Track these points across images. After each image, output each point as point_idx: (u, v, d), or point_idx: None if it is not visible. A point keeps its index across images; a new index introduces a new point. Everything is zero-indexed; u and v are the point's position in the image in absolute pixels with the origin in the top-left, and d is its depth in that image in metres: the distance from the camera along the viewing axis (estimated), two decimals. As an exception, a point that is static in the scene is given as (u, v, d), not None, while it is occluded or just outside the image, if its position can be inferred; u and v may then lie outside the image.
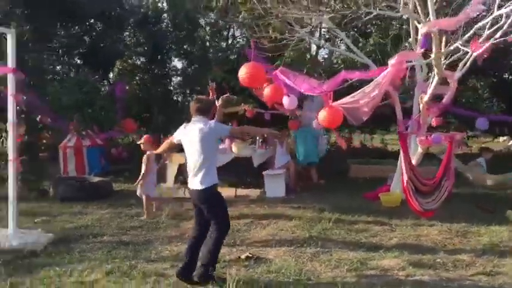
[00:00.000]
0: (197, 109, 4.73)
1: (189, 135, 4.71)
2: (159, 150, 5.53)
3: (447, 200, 7.03)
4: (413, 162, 8.14)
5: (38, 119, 8.97)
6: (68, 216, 7.44)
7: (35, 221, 7.09)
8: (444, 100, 8.27)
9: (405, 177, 7.03)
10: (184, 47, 14.43)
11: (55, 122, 9.54)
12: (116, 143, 12.62)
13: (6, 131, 8.98)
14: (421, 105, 7.31)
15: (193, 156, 4.67)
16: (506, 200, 8.58)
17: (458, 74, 6.71)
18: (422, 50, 4.64)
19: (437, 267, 5.18)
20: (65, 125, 9.75)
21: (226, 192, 9.40)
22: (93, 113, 9.77)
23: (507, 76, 14.15)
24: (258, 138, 11.00)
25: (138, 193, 7.49)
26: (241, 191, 9.67)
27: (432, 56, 6.16)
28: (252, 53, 6.01)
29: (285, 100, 6.64)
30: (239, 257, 5.41)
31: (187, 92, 15.59)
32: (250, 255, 5.44)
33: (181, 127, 4.88)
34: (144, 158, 7.44)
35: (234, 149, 9.71)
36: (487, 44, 5.05)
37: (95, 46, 13.85)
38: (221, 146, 9.99)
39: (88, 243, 6.04)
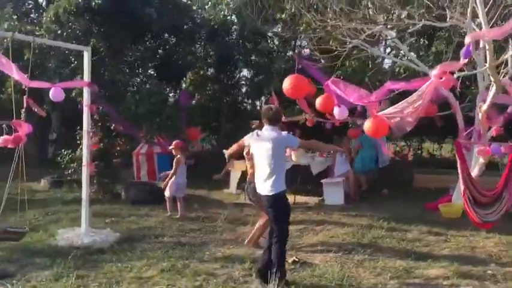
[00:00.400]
0: (269, 118, 5.01)
1: (262, 142, 5.00)
2: (229, 151, 5.68)
3: (508, 212, 6.85)
4: (476, 172, 7.99)
5: (112, 127, 9.71)
6: (135, 218, 8.03)
7: (106, 221, 7.72)
8: (509, 110, 8.03)
9: (462, 187, 6.96)
10: (252, 57, 14.89)
11: (127, 130, 10.29)
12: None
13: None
14: (480, 115, 7.16)
15: (264, 162, 4.95)
16: None
17: (517, 82, 6.51)
18: (465, 60, 4.62)
19: (486, 278, 5.14)
20: (136, 133, 10.49)
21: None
22: (161, 122, 10.43)
23: None
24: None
25: (166, 194, 8.18)
26: (300, 198, 9.89)
27: (487, 65, 6.08)
28: (297, 64, 6.24)
29: (336, 110, 6.80)
30: (286, 260, 5.63)
31: (254, 101, 16.05)
32: (297, 260, 5.65)
33: (254, 133, 5.15)
34: (175, 161, 7.99)
35: (294, 157, 9.91)
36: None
37: (168, 58, 14.66)
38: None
39: (149, 243, 6.53)
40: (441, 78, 4.55)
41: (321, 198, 9.81)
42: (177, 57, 14.91)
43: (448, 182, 10.56)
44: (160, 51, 15.09)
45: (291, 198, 9.60)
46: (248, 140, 5.22)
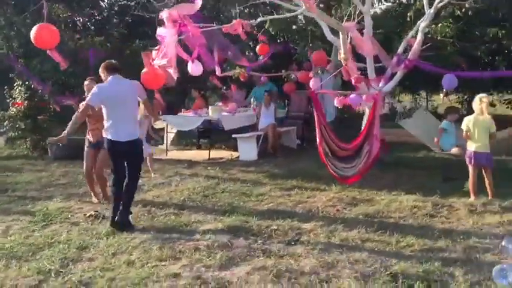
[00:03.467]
0: None
1: None
2: None
3: (370, 167, 6.36)
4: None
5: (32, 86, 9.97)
6: (20, 173, 8.28)
7: None
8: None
9: (318, 139, 6.52)
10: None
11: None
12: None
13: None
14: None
15: None
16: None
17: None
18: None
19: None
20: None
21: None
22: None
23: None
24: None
25: None
26: (217, 153, 9.78)
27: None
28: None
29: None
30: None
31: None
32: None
33: None
34: None
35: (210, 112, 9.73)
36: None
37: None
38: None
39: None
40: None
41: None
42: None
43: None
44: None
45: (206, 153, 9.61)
46: None
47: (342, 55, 6.55)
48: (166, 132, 10.32)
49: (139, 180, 5.64)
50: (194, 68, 6.07)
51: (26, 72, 9.68)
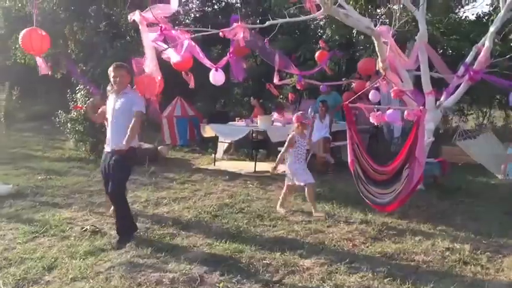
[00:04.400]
0: None
1: None
2: None
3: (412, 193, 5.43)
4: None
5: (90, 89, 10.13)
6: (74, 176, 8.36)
7: (38, 177, 8.22)
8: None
9: (349, 159, 5.68)
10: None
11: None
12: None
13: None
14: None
15: None
16: None
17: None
18: None
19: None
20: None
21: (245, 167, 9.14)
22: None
23: None
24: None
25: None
26: (262, 166, 9.18)
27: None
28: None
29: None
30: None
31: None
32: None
33: None
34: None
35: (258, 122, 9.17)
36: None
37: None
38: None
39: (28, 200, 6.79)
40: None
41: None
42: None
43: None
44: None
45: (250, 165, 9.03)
46: None
47: (379, 64, 5.65)
48: (217, 141, 9.97)
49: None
50: (217, 77, 5.56)
51: (82, 77, 9.87)
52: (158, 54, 4.25)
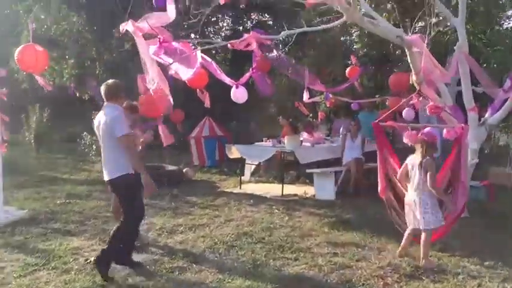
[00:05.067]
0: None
1: None
2: None
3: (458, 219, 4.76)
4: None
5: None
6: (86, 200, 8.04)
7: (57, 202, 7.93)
8: None
9: (380, 185, 5.07)
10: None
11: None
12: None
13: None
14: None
15: None
16: None
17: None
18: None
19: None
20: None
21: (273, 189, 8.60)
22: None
23: None
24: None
25: None
26: (290, 188, 8.63)
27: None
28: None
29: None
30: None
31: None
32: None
33: None
34: None
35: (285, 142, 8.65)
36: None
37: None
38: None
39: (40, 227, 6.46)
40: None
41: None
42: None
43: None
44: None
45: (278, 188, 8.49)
46: None
47: (413, 77, 5.05)
48: (243, 163, 9.49)
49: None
50: (238, 94, 5.11)
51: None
52: (163, 71, 3.82)
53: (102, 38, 10.89)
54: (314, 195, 8.19)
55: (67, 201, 7.97)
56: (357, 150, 8.51)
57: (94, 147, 10.39)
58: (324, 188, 8.05)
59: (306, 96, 8.04)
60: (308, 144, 8.84)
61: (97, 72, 11.55)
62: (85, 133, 10.43)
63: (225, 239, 5.61)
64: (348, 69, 8.87)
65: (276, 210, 7.22)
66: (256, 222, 6.41)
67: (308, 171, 8.29)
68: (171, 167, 10.08)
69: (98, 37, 10.98)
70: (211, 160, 12.06)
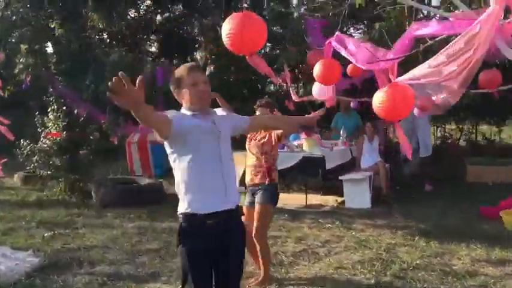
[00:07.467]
0: None
1: None
2: None
3: None
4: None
5: (75, 111, 7.82)
6: (87, 230, 6.09)
7: (45, 235, 5.82)
8: None
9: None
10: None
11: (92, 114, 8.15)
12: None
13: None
14: None
15: None
16: None
17: None
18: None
19: None
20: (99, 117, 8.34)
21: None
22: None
23: None
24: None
25: None
26: (314, 198, 7.76)
27: None
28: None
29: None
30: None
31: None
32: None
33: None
34: None
35: (305, 146, 7.74)
36: None
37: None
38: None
39: (76, 273, 4.57)
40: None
41: (342, 198, 7.55)
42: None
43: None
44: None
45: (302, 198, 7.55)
46: None
47: None
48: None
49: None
50: None
51: (70, 95, 7.46)
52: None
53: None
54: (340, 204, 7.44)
55: (61, 231, 5.93)
56: (377, 153, 8.01)
57: (36, 157, 8.07)
58: (357, 196, 7.35)
59: (294, 96, 7.21)
60: (323, 148, 8.00)
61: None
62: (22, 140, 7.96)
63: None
64: (348, 68, 8.26)
65: (329, 225, 6.31)
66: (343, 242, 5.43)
67: (341, 177, 7.46)
68: (147, 180, 8.36)
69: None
70: (159, 169, 10.43)
